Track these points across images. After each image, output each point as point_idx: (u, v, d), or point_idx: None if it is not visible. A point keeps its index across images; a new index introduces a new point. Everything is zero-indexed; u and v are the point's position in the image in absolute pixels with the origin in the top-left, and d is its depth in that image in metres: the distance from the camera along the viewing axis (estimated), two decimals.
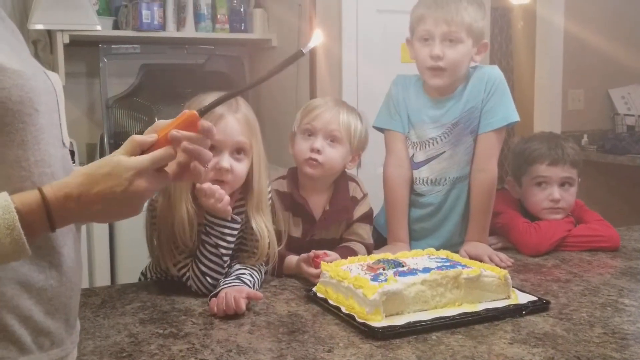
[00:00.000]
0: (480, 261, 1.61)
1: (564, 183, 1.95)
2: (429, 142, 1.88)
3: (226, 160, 1.45)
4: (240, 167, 1.48)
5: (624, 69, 3.75)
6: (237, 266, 1.52)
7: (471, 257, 1.68)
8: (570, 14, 3.76)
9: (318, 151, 1.66)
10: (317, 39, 1.08)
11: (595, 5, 3.82)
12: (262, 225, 1.52)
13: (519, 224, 1.91)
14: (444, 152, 1.87)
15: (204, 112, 0.96)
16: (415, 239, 1.92)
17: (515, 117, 1.84)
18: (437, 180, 1.90)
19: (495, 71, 1.87)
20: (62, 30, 2.75)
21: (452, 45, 1.77)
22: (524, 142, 2.05)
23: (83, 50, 3.12)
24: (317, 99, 1.78)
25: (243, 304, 1.33)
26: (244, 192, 1.53)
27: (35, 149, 0.88)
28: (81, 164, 3.14)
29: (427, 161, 1.89)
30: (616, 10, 3.86)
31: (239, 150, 1.48)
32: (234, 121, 1.47)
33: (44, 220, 0.85)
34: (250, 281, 1.45)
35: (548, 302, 1.38)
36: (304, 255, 1.58)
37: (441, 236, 1.92)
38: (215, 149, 1.42)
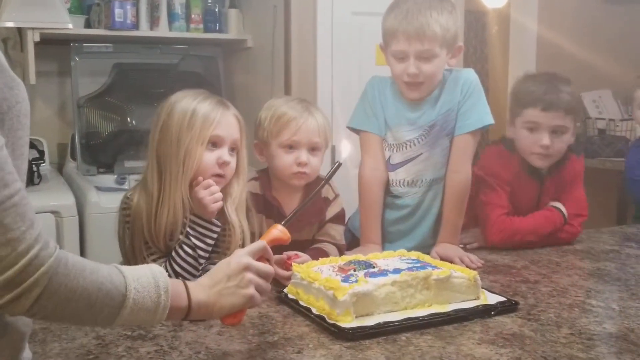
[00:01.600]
0: (451, 262, 1.62)
1: (556, 130, 1.92)
2: (405, 144, 1.88)
3: (227, 155, 1.53)
4: (234, 162, 1.56)
5: (595, 73, 3.80)
6: (210, 267, 1.51)
7: (442, 258, 1.69)
8: (543, 19, 3.80)
9: (306, 164, 1.67)
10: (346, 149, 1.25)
11: (567, 11, 3.87)
12: (237, 222, 1.56)
13: (492, 215, 1.92)
14: (421, 154, 1.88)
15: (286, 222, 1.27)
16: (390, 241, 1.93)
17: (489, 119, 1.86)
18: (413, 182, 1.91)
19: (471, 74, 1.89)
20: (32, 28, 2.71)
21: (427, 61, 1.78)
22: (522, 81, 2.01)
23: (54, 49, 3.08)
24: (281, 104, 1.71)
25: None
26: (224, 190, 1.56)
27: (24, 161, 0.93)
28: (51, 164, 3.11)
29: (403, 163, 1.90)
30: (587, 16, 3.92)
31: (233, 147, 1.56)
32: (233, 118, 1.55)
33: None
34: None
35: (517, 303, 1.39)
36: (276, 256, 1.57)
37: (416, 238, 1.93)
38: (217, 144, 1.52)
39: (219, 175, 1.53)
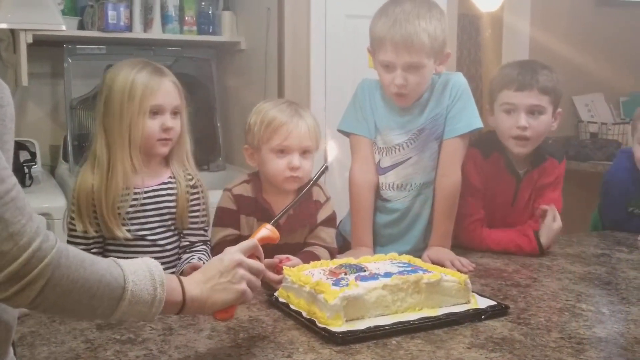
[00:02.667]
0: (442, 266, 1.63)
1: (533, 111, 1.90)
2: (395, 147, 1.89)
3: (169, 121, 1.64)
4: (178, 125, 1.68)
5: (588, 77, 3.82)
6: (185, 256, 1.67)
7: (433, 262, 1.69)
8: (535, 23, 3.82)
9: (298, 168, 1.67)
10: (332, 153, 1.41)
11: (560, 14, 3.89)
12: (182, 177, 1.71)
13: (462, 223, 1.93)
14: (410, 157, 1.88)
15: (275, 222, 1.32)
16: (382, 244, 1.93)
17: (478, 123, 1.86)
18: (403, 185, 1.91)
19: (460, 78, 1.89)
20: (25, 30, 2.70)
21: (414, 71, 1.77)
22: (499, 68, 2.02)
23: (47, 50, 3.07)
24: (270, 108, 1.71)
25: None
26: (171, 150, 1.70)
27: (10, 165, 0.93)
28: (44, 165, 3.10)
29: (393, 166, 1.90)
30: (580, 20, 3.93)
31: (175, 112, 1.67)
32: (170, 85, 1.66)
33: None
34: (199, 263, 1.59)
35: (507, 307, 1.40)
36: (267, 260, 1.57)
37: (408, 242, 1.93)
38: (158, 112, 1.63)
39: (164, 139, 1.64)
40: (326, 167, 1.34)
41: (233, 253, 1.17)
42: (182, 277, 1.11)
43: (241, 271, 1.15)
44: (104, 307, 0.99)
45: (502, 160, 1.98)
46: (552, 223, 1.92)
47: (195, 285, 1.11)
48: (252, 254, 1.21)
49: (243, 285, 1.15)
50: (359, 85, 1.97)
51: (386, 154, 1.90)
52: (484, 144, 2.02)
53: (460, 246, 1.95)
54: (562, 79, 1.96)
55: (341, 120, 1.97)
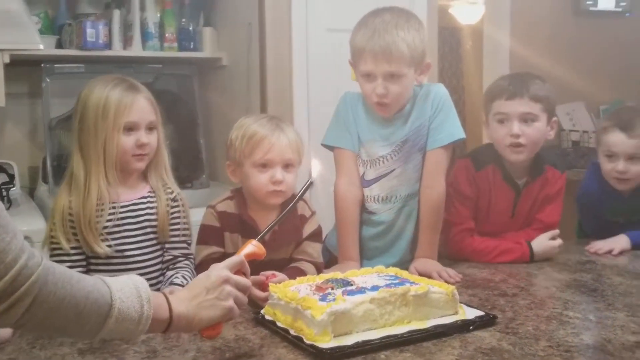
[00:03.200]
0: (429, 277, 1.63)
1: (526, 119, 1.91)
2: (379, 160, 1.88)
3: (144, 137, 1.65)
4: (154, 140, 1.68)
5: (568, 87, 3.84)
6: (169, 273, 1.66)
7: (420, 274, 1.69)
8: (516, 35, 3.85)
9: (281, 182, 1.66)
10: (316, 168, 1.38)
11: (539, 26, 3.92)
12: (161, 190, 1.71)
13: (450, 232, 1.95)
14: (394, 169, 1.88)
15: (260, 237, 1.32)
16: (368, 257, 1.92)
17: (461, 133, 1.86)
18: (388, 197, 1.90)
19: (441, 89, 1.90)
20: (2, 50, 2.67)
21: (394, 81, 1.77)
22: (495, 80, 2.04)
23: (25, 70, 3.02)
24: (251, 123, 1.70)
25: None
26: (149, 164, 1.70)
27: None
28: (22, 187, 3.04)
29: (377, 179, 1.90)
30: (559, 31, 3.97)
31: (150, 127, 1.67)
32: (144, 102, 1.66)
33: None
34: (183, 282, 1.59)
35: (495, 317, 1.39)
36: (253, 277, 1.55)
37: (395, 254, 1.92)
38: (132, 129, 1.63)
39: (139, 155, 1.65)
40: (311, 183, 1.35)
41: (219, 269, 1.16)
42: (168, 294, 1.09)
43: (228, 288, 1.14)
44: (91, 324, 0.97)
45: (500, 173, 1.98)
46: (548, 238, 1.94)
47: (181, 302, 1.09)
48: (238, 270, 1.20)
49: (230, 302, 1.13)
50: (342, 98, 1.97)
51: (370, 167, 1.90)
52: (478, 156, 2.03)
53: (447, 256, 1.94)
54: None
55: (325, 134, 1.97)
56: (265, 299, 1.44)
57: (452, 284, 1.55)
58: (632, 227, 2.15)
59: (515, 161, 1.95)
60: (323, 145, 1.96)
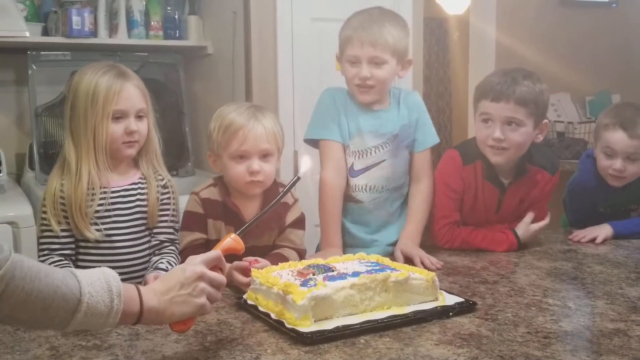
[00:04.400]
0: (412, 260, 1.71)
1: (510, 122, 1.87)
2: (369, 150, 1.94)
3: (133, 124, 1.64)
4: (143, 127, 1.68)
5: (554, 77, 3.86)
6: (155, 258, 1.67)
7: (403, 253, 1.79)
8: (501, 25, 3.87)
9: (258, 172, 1.66)
10: (306, 164, 1.42)
11: (525, 16, 3.94)
12: (152, 176, 1.71)
13: (435, 225, 1.98)
14: (384, 160, 1.95)
15: (241, 232, 1.29)
16: (352, 246, 1.95)
17: (437, 138, 2.04)
18: (375, 187, 1.95)
19: (418, 97, 2.07)
20: None
21: (378, 67, 1.87)
22: (486, 75, 1.99)
23: (11, 57, 3.02)
24: (229, 112, 1.70)
25: None
26: (140, 150, 1.71)
27: None
28: (9, 174, 3.04)
29: (366, 169, 1.95)
30: (545, 21, 3.99)
31: (140, 115, 1.67)
32: (133, 89, 1.65)
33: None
34: (167, 268, 1.60)
35: (475, 304, 1.41)
36: (236, 262, 1.56)
37: (380, 245, 1.97)
38: (121, 116, 1.63)
39: (129, 142, 1.65)
40: (298, 178, 1.35)
41: (195, 265, 1.15)
42: (141, 287, 1.09)
43: (202, 284, 1.13)
44: (59, 318, 0.98)
45: (485, 169, 1.98)
46: (529, 222, 1.97)
47: (153, 295, 1.09)
48: (215, 266, 1.19)
49: (203, 299, 1.13)
50: (324, 93, 2.00)
51: (359, 157, 1.94)
52: (466, 150, 2.02)
53: (433, 246, 1.96)
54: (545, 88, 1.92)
55: (307, 129, 1.99)
56: (248, 284, 1.45)
57: (433, 271, 1.57)
58: (616, 217, 2.18)
59: (496, 163, 1.94)
60: (305, 140, 1.99)
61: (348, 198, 1.96)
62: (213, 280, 1.16)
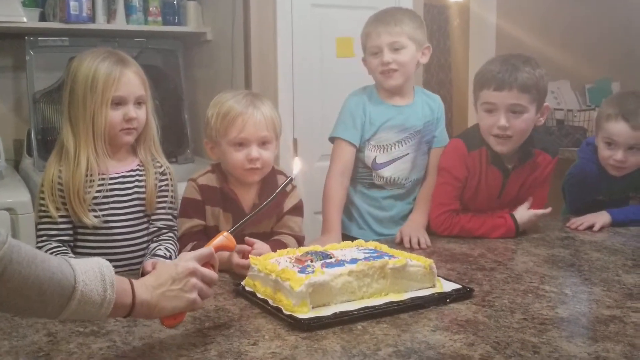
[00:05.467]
0: (409, 237, 1.83)
1: (514, 110, 1.87)
2: (394, 144, 2.03)
3: (132, 111, 1.64)
4: (142, 114, 1.67)
5: (554, 65, 3.86)
6: (153, 245, 1.67)
7: (402, 233, 1.90)
8: (502, 12, 3.85)
9: (257, 159, 1.66)
10: (297, 166, 1.42)
11: (526, 3, 3.93)
12: (150, 163, 1.71)
13: (433, 212, 1.99)
14: (408, 154, 2.05)
15: (233, 231, 1.29)
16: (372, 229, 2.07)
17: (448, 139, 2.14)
18: (397, 180, 2.05)
19: (440, 100, 2.16)
20: None
21: (398, 52, 1.98)
22: (485, 63, 1.99)
23: (8, 43, 3.01)
24: (227, 99, 1.71)
25: None
26: (138, 137, 1.71)
27: None
28: (7, 160, 3.03)
29: (390, 162, 2.04)
30: (545, 8, 3.98)
31: (139, 102, 1.66)
32: (133, 75, 1.65)
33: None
34: (165, 254, 1.60)
35: (472, 290, 1.41)
36: (238, 246, 1.56)
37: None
38: (120, 103, 1.63)
39: (128, 129, 1.65)
40: (291, 179, 1.39)
41: (187, 260, 1.16)
42: (133, 280, 1.10)
43: (193, 280, 1.14)
44: (53, 305, 0.98)
45: (489, 154, 1.98)
46: (528, 207, 1.98)
47: (145, 289, 1.10)
48: (206, 262, 1.20)
49: (194, 295, 1.14)
50: (351, 95, 2.09)
51: (383, 152, 2.03)
52: (470, 137, 2.03)
53: (432, 233, 1.96)
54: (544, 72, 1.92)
55: (335, 127, 2.08)
56: (246, 267, 1.45)
57: (417, 249, 1.62)
58: (615, 205, 2.17)
59: (500, 152, 1.95)
60: (329, 139, 2.08)
61: (371, 187, 2.07)
62: (205, 276, 1.16)
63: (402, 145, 2.04)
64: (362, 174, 2.06)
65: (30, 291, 0.94)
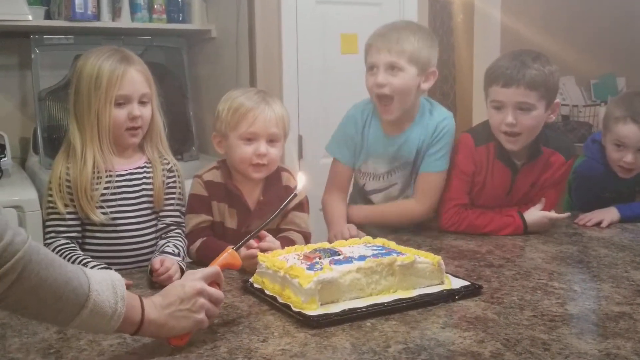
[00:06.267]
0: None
1: (522, 107, 1.85)
2: (383, 175, 1.99)
3: (137, 110, 1.63)
4: (147, 112, 1.67)
5: (559, 60, 3.81)
6: (161, 242, 1.66)
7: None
8: (506, 8, 3.84)
9: (264, 155, 1.66)
10: (301, 181, 1.42)
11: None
12: (157, 160, 1.71)
13: (443, 207, 1.97)
14: (396, 184, 2.00)
15: (238, 247, 1.29)
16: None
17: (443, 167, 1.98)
18: (389, 199, 2.03)
19: (451, 121, 1.97)
20: None
21: (394, 74, 1.84)
22: (495, 59, 1.96)
23: (14, 41, 3.01)
24: (239, 95, 1.71)
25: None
26: (145, 136, 1.70)
27: None
28: (14, 158, 3.04)
29: (378, 190, 2.01)
30: (549, 4, 3.96)
31: (144, 100, 1.66)
32: (137, 74, 1.64)
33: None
34: (174, 251, 1.60)
35: (480, 287, 1.41)
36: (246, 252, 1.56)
37: None
38: (125, 101, 1.62)
39: (132, 128, 1.64)
40: (295, 195, 1.39)
41: (194, 280, 1.15)
42: (142, 298, 1.10)
43: (201, 300, 1.13)
44: (66, 311, 0.98)
45: (498, 150, 1.97)
46: (540, 208, 1.96)
47: (154, 308, 1.10)
48: (212, 281, 1.19)
49: (201, 315, 1.13)
50: (354, 108, 2.00)
51: (372, 179, 1.99)
52: (478, 132, 2.01)
53: (437, 228, 1.96)
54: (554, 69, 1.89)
55: (330, 140, 2.03)
56: (254, 256, 1.46)
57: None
58: (622, 200, 2.17)
59: (510, 149, 1.93)
60: (327, 150, 2.04)
61: (368, 202, 2.04)
62: (211, 295, 1.16)
63: (391, 176, 1.98)
64: (357, 189, 2.08)
65: (46, 294, 0.94)
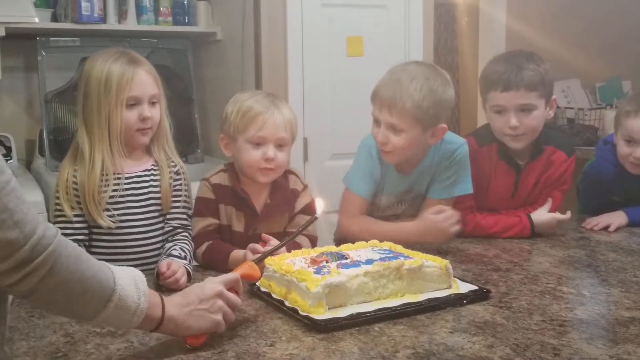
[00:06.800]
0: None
1: (523, 109, 1.86)
2: (393, 205, 1.94)
3: (147, 110, 1.64)
4: (157, 113, 1.68)
5: (564, 63, 3.84)
6: (168, 245, 1.66)
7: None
8: (511, 11, 3.83)
9: (272, 159, 1.66)
10: (320, 206, 1.46)
11: (535, 2, 3.90)
12: (164, 162, 1.71)
13: (455, 207, 1.91)
14: (404, 208, 1.95)
15: (258, 260, 1.33)
16: None
17: (465, 189, 1.89)
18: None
19: (463, 153, 1.88)
20: None
21: (396, 133, 1.74)
22: (488, 63, 1.96)
23: (20, 44, 3.01)
24: (247, 98, 1.70)
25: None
26: (153, 138, 1.71)
27: None
28: (19, 160, 3.04)
29: (388, 218, 1.93)
30: (555, 7, 3.95)
31: (153, 101, 1.66)
32: (145, 75, 1.65)
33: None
34: (181, 254, 1.59)
35: (488, 291, 1.40)
36: (252, 245, 1.56)
37: None
38: (135, 103, 1.62)
39: (143, 129, 1.65)
40: (315, 218, 1.40)
41: (215, 283, 1.17)
42: (163, 297, 1.11)
43: (219, 302, 1.15)
44: (92, 304, 0.99)
45: (501, 151, 1.97)
46: (547, 209, 1.95)
47: (173, 305, 1.11)
48: (231, 288, 1.21)
49: (219, 316, 1.15)
50: (363, 142, 1.91)
51: (379, 210, 1.94)
52: (481, 134, 2.01)
53: (457, 237, 1.94)
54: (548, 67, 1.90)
55: (348, 172, 1.93)
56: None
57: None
58: (629, 204, 2.16)
59: (515, 148, 1.94)
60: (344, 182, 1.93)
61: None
62: (229, 300, 1.18)
63: (401, 205, 1.95)
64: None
65: (74, 287, 0.96)
